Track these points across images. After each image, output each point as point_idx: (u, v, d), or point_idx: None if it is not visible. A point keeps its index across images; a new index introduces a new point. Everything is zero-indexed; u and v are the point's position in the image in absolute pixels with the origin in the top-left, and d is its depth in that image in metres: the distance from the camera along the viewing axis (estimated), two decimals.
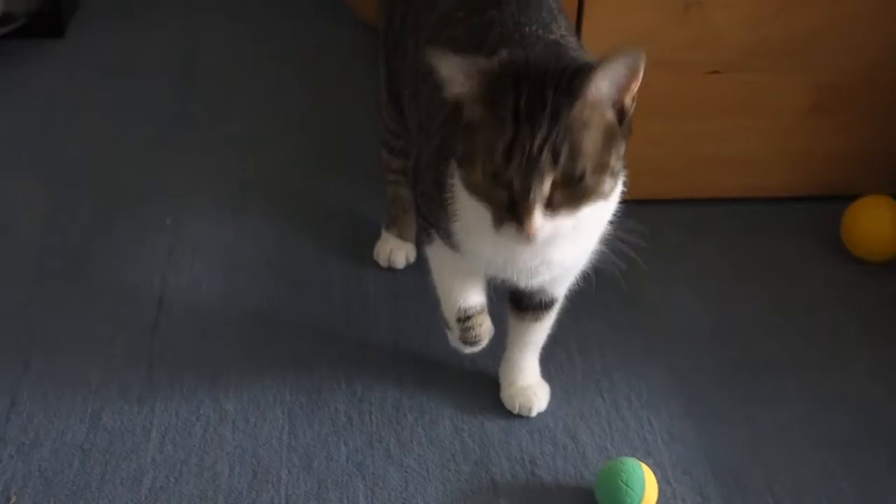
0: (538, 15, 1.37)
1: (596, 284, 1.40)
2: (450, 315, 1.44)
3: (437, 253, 1.41)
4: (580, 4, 1.77)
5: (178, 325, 1.66)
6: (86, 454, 1.45)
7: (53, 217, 1.89)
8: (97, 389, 1.54)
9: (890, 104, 1.88)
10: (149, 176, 1.99)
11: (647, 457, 1.45)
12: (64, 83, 2.27)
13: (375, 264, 1.78)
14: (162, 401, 1.53)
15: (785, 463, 1.46)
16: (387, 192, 1.76)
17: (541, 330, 1.49)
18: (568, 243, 1.25)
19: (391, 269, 1.77)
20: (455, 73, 1.17)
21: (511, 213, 1.15)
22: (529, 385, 1.52)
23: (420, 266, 1.75)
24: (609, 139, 1.17)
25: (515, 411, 1.51)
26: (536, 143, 1.12)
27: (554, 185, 1.14)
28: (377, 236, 1.79)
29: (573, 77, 1.15)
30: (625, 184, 1.26)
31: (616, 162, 1.19)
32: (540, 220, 1.14)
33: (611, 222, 1.30)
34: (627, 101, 1.19)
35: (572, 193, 1.15)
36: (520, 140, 1.13)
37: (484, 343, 1.46)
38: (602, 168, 1.17)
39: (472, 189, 1.20)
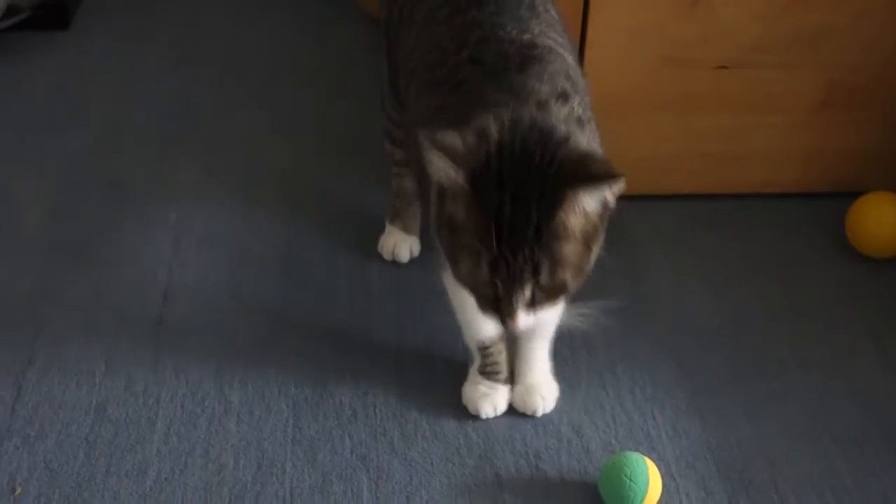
0: (516, 13, 1.37)
1: (599, 279, 1.40)
2: (471, 343, 1.47)
3: (453, 282, 1.37)
4: (586, 0, 1.76)
5: (184, 319, 1.66)
6: (91, 446, 1.45)
7: (59, 210, 1.89)
8: (102, 382, 1.55)
9: None
10: (154, 169, 1.99)
11: (651, 451, 1.44)
12: (69, 76, 2.27)
13: (380, 258, 1.77)
14: (167, 393, 1.53)
15: (790, 458, 1.45)
16: (391, 184, 1.76)
17: (548, 318, 1.46)
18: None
19: (396, 263, 1.77)
20: (443, 167, 1.17)
21: (495, 307, 1.23)
22: (538, 384, 1.50)
23: (424, 260, 1.75)
24: (590, 240, 1.21)
25: (520, 410, 1.50)
26: (519, 259, 1.17)
27: (535, 290, 1.20)
28: (382, 230, 1.79)
29: (558, 187, 1.15)
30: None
31: (595, 253, 1.23)
32: (523, 318, 1.22)
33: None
34: (611, 199, 1.20)
35: (553, 293, 1.22)
36: (503, 256, 1.17)
37: (503, 375, 1.49)
38: (581, 270, 1.22)
39: (457, 278, 1.26)
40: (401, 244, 1.76)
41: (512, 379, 1.51)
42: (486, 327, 1.42)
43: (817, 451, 1.47)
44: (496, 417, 1.50)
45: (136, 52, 2.36)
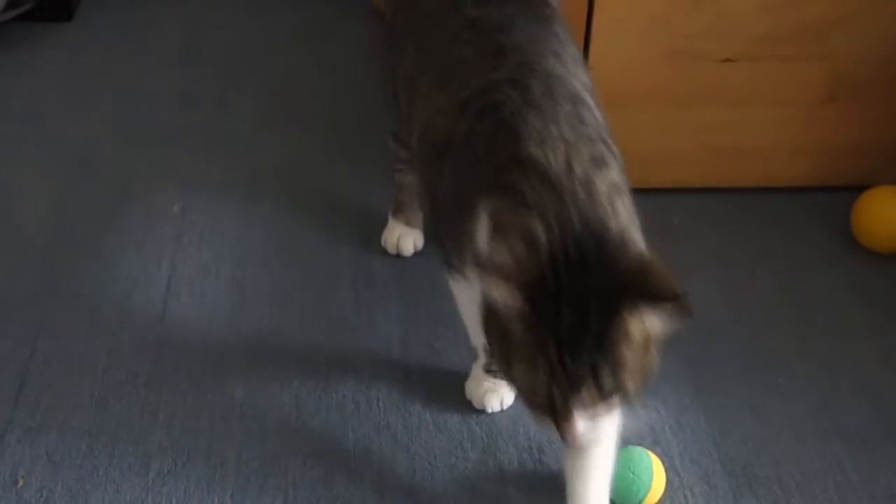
0: (546, 44, 1.32)
1: None
2: (478, 344, 1.44)
3: (461, 288, 1.34)
4: None
5: (186, 312, 1.66)
6: (93, 438, 1.45)
7: (61, 202, 1.89)
8: (105, 375, 1.54)
9: None
10: (157, 162, 1.99)
11: (655, 446, 1.44)
12: (72, 68, 2.27)
13: (384, 252, 1.77)
14: (169, 386, 1.53)
15: (794, 453, 1.45)
16: (393, 179, 1.75)
17: (607, 426, 1.24)
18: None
19: (399, 257, 1.76)
20: (498, 290, 1.09)
21: (551, 414, 1.12)
22: None
23: (428, 252, 1.75)
24: (652, 343, 1.12)
25: None
26: (578, 366, 1.08)
27: (594, 396, 1.10)
28: (386, 223, 1.78)
29: (619, 301, 1.07)
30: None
31: (657, 356, 1.13)
32: (581, 425, 1.11)
33: None
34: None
35: (613, 398, 1.12)
36: (562, 363, 1.08)
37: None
38: (643, 373, 1.12)
39: (507, 379, 1.18)
40: (404, 238, 1.76)
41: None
42: None
43: (821, 446, 1.46)
44: (500, 411, 1.50)
45: (140, 44, 2.36)
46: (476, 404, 1.49)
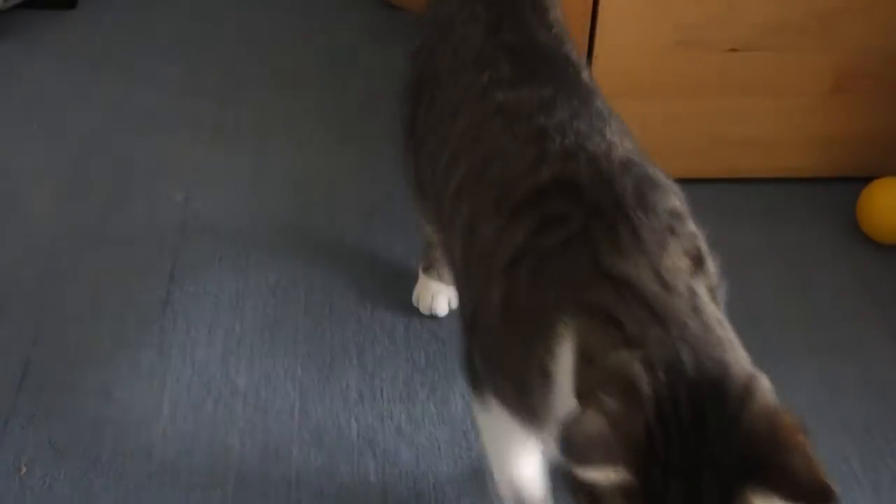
0: (592, 123, 1.15)
1: None
2: (508, 489, 1.23)
3: (492, 418, 1.14)
4: None
5: (190, 300, 1.65)
6: (97, 427, 1.44)
7: (65, 190, 1.88)
8: (108, 362, 1.54)
9: None
10: (160, 150, 1.98)
11: None
12: (75, 56, 2.26)
13: (389, 239, 1.76)
14: (173, 375, 1.52)
15: None
16: (421, 235, 1.59)
17: None
18: None
19: (403, 246, 1.75)
20: (595, 474, 0.86)
21: None
22: None
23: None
24: None
25: None
26: None
27: None
28: (391, 212, 1.77)
29: (746, 479, 0.85)
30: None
31: None
32: None
33: None
34: None
35: None
36: None
37: None
38: None
39: None
40: (439, 297, 1.60)
41: None
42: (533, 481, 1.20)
43: (826, 437, 1.45)
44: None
45: (143, 31, 2.35)
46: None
